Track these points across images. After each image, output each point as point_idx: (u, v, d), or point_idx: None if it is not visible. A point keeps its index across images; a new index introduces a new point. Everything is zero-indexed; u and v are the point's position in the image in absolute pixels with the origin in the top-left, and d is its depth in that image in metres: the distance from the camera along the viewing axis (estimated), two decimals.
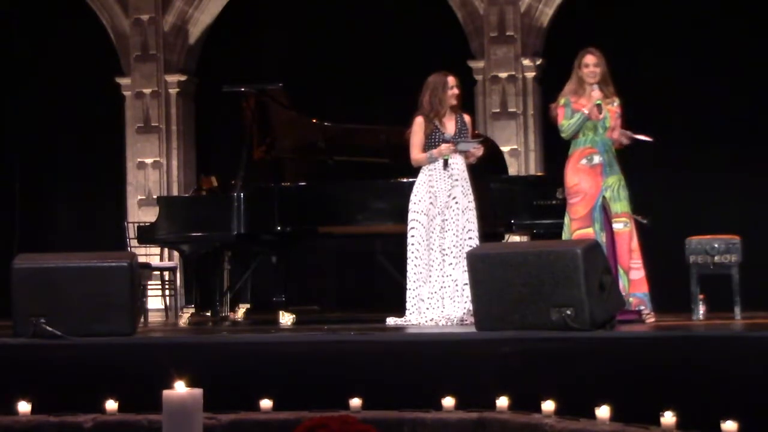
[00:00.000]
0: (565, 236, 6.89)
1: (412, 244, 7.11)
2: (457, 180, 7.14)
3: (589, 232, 6.78)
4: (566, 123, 6.91)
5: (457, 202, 7.11)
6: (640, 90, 9.08)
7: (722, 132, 10.61)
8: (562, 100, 6.96)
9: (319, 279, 11.29)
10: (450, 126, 7.18)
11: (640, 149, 7.12)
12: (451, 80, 7.18)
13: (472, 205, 7.15)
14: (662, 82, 10.65)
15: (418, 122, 7.17)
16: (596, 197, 6.88)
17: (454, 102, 7.19)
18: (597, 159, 6.90)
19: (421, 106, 7.18)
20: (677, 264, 7.32)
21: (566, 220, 6.94)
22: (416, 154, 7.18)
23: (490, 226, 7.99)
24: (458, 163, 7.16)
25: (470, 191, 7.17)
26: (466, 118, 7.31)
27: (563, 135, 6.96)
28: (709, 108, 10.68)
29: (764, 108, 10.61)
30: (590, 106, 6.85)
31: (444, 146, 7.08)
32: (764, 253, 8.75)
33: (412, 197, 7.16)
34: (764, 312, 7.47)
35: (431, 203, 7.10)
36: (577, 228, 6.85)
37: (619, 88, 7.06)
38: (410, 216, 7.14)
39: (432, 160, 7.12)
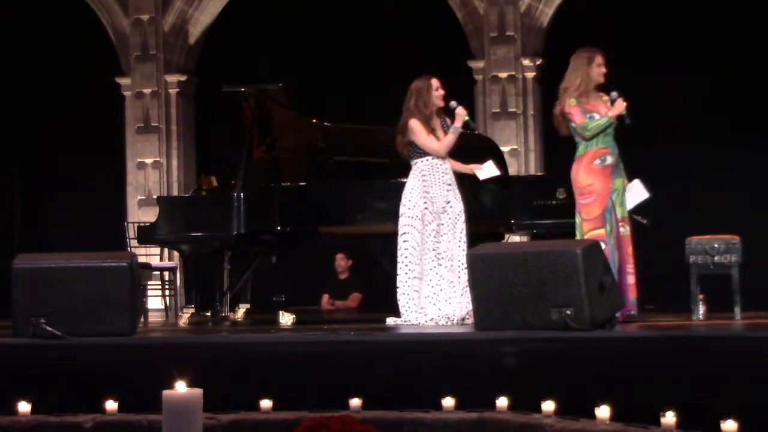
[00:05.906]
0: (578, 236, 6.80)
1: (406, 249, 7.07)
2: (450, 185, 7.16)
3: (601, 233, 6.72)
4: (592, 124, 6.78)
5: (452, 207, 7.12)
6: (640, 90, 9.05)
7: (722, 132, 10.60)
8: (572, 100, 6.85)
9: (319, 279, 11.28)
10: (438, 128, 7.20)
11: (640, 148, 7.11)
12: (435, 82, 7.17)
13: (463, 208, 7.16)
14: (663, 82, 10.65)
15: (415, 123, 7.12)
16: (608, 198, 6.83)
17: (441, 103, 7.18)
18: (609, 159, 6.86)
19: (408, 110, 7.17)
20: (677, 264, 7.31)
21: (578, 220, 6.86)
22: (434, 143, 7.12)
23: (489, 224, 8.00)
24: (449, 168, 7.18)
25: (460, 196, 7.19)
26: (449, 121, 7.29)
27: (586, 134, 6.80)
28: (709, 108, 10.68)
29: (765, 108, 10.61)
30: (616, 113, 6.79)
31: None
32: (764, 253, 8.75)
33: (405, 201, 7.13)
34: (764, 312, 7.47)
35: (426, 208, 7.09)
36: (590, 228, 6.77)
37: (619, 88, 7.06)
38: (403, 221, 7.10)
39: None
